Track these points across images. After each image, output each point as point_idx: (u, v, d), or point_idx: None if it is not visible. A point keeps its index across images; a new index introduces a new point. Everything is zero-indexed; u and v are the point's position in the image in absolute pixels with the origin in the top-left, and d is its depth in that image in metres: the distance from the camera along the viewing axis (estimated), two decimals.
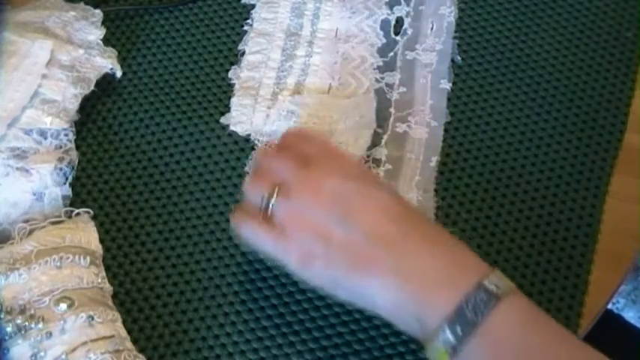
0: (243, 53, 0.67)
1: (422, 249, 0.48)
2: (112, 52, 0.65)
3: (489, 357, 0.44)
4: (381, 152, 0.62)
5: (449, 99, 0.65)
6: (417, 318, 0.46)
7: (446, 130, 0.63)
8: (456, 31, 0.68)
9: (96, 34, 0.65)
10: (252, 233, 0.52)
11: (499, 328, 0.44)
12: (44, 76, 0.60)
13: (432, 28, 0.68)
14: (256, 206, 0.52)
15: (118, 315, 0.53)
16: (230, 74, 0.66)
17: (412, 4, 0.69)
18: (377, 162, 0.62)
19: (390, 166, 0.61)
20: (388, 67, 0.66)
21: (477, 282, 0.45)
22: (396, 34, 0.68)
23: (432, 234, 0.49)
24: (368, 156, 0.62)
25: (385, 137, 0.63)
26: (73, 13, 0.65)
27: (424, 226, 0.50)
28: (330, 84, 0.65)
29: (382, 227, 0.48)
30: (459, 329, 0.44)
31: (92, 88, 0.62)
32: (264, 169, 0.54)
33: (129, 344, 0.52)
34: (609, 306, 0.57)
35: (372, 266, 0.48)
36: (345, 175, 0.51)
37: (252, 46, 0.68)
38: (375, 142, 0.63)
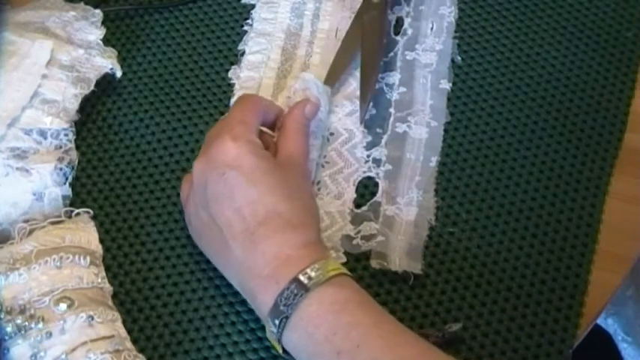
0: (243, 53, 0.67)
1: (265, 247, 0.51)
2: (112, 52, 0.65)
3: (305, 341, 0.49)
4: (381, 152, 0.62)
5: (449, 99, 0.65)
6: (256, 308, 0.52)
7: (446, 130, 0.63)
8: (456, 31, 0.68)
9: (96, 34, 0.65)
10: (181, 188, 0.58)
11: (309, 316, 0.48)
12: (44, 76, 0.60)
13: (432, 28, 0.68)
14: None
15: (118, 315, 0.53)
16: (230, 74, 0.66)
17: (412, 4, 0.69)
18: (377, 162, 0.62)
19: (390, 166, 0.61)
20: (388, 67, 0.66)
21: (294, 276, 0.49)
22: (396, 34, 0.68)
23: (282, 231, 0.51)
24: (368, 156, 0.62)
25: (385, 137, 0.63)
26: (73, 13, 0.65)
27: (275, 224, 0.51)
28: None
29: (236, 224, 0.52)
30: (276, 321, 0.49)
31: (92, 88, 0.62)
32: None
33: (129, 344, 0.52)
34: None
35: (224, 254, 0.53)
36: (227, 158, 0.53)
37: (252, 46, 0.68)
38: (375, 142, 0.63)
